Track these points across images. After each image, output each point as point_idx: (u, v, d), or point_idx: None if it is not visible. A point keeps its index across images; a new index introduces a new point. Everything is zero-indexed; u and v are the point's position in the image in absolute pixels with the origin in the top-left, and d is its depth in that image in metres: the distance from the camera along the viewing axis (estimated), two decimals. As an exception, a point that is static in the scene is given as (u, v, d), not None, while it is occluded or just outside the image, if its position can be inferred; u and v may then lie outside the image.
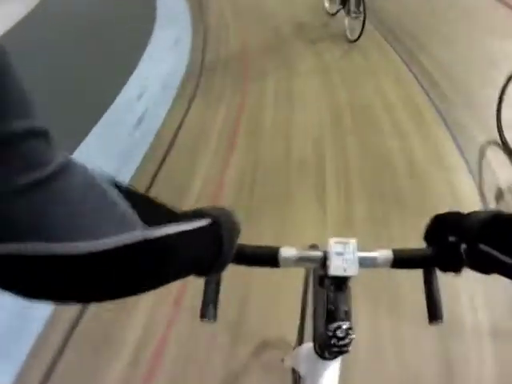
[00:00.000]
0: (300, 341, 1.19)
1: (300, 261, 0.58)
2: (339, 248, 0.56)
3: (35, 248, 0.28)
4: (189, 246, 0.44)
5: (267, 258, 0.59)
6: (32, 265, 0.29)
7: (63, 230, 0.29)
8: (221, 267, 0.53)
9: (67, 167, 0.30)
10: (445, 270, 0.58)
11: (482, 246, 0.48)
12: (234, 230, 0.54)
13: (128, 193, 0.36)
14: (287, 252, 0.58)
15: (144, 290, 0.39)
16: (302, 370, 0.89)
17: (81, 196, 0.31)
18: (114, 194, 0.34)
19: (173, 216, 0.44)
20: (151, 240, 0.36)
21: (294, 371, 1.15)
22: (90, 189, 0.32)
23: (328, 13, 5.18)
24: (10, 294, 0.30)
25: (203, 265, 0.49)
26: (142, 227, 0.35)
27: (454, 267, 0.55)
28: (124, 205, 0.34)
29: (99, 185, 0.33)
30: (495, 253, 0.46)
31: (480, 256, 0.49)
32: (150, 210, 0.40)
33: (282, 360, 1.30)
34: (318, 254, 0.58)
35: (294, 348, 1.21)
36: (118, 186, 0.35)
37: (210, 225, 0.48)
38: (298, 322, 1.21)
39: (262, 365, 1.60)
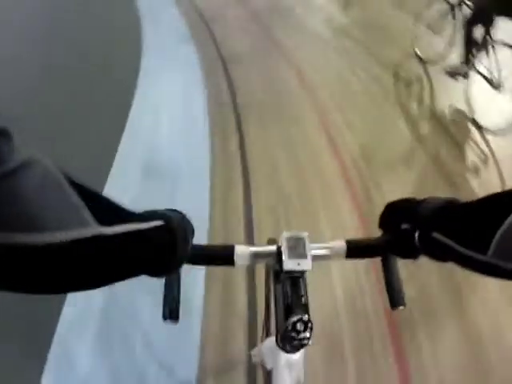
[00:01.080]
0: (266, 335, 1.20)
1: (254, 258, 0.59)
2: (291, 242, 0.57)
3: None
4: (141, 245, 0.44)
5: (222, 256, 0.59)
6: None
7: (21, 222, 0.31)
8: (175, 267, 0.54)
9: (27, 165, 0.32)
10: (400, 256, 0.60)
11: (435, 235, 0.48)
12: (188, 231, 0.54)
13: (84, 190, 0.38)
14: (241, 250, 0.58)
15: (93, 285, 0.40)
16: (268, 364, 0.90)
17: (39, 192, 0.33)
18: (71, 190, 0.36)
19: (127, 215, 0.44)
20: (103, 236, 0.38)
21: (263, 365, 1.16)
22: (48, 185, 0.34)
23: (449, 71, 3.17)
24: None
25: (157, 265, 0.49)
26: (96, 224, 0.37)
27: (410, 254, 0.56)
28: (79, 202, 0.36)
29: (57, 181, 0.35)
30: (448, 241, 0.46)
31: (433, 244, 0.49)
32: (104, 209, 0.41)
33: (250, 355, 1.31)
34: (272, 250, 0.58)
35: (261, 342, 1.23)
36: (74, 184, 0.37)
37: (163, 226, 0.48)
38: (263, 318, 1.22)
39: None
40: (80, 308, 1.75)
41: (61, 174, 0.36)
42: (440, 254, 0.50)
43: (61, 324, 1.69)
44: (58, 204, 0.34)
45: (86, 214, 0.36)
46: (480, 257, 0.41)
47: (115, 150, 2.73)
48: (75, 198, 0.36)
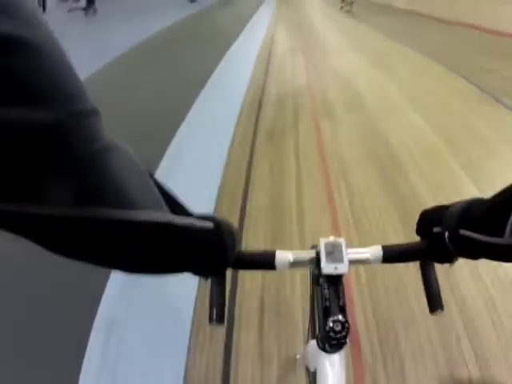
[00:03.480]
0: (311, 337, 1.22)
1: (295, 263, 0.62)
2: (329, 248, 0.60)
3: (89, 212, 0.33)
4: (197, 242, 0.48)
5: (264, 262, 0.63)
6: (80, 227, 0.33)
7: (112, 198, 0.34)
8: (221, 269, 0.58)
9: (115, 146, 0.36)
10: (436, 260, 0.62)
11: (463, 231, 0.51)
12: (235, 237, 0.59)
13: (156, 182, 0.42)
14: (282, 255, 0.62)
15: (156, 270, 0.45)
16: (311, 365, 0.93)
17: (127, 172, 0.37)
18: (149, 178, 0.40)
19: (185, 212, 0.48)
20: (177, 225, 0.42)
21: (307, 368, 1.18)
22: (134, 168, 0.38)
23: None
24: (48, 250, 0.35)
25: (204, 265, 0.53)
26: (169, 212, 0.41)
27: (444, 257, 0.59)
28: (155, 189, 0.40)
29: (138, 167, 0.39)
30: (476, 235, 0.49)
31: (462, 241, 0.51)
32: (172, 202, 0.45)
33: (297, 359, 1.34)
34: (310, 255, 0.62)
35: (306, 344, 1.25)
36: (149, 172, 0.41)
37: (214, 229, 0.52)
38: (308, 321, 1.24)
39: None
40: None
41: (140, 162, 0.39)
42: (470, 250, 0.53)
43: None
44: (140, 187, 0.38)
45: (162, 202, 0.41)
46: (499, 240, 0.45)
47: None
48: (152, 185, 0.40)
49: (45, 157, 0.29)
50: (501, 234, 0.44)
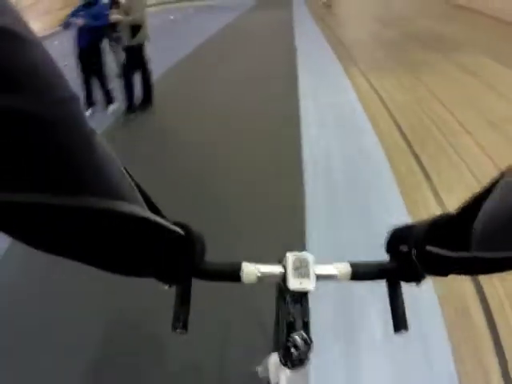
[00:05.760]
0: (273, 350, 1.21)
1: (261, 276, 0.61)
2: (296, 263, 0.59)
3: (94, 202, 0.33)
4: (167, 246, 0.47)
5: (229, 274, 0.62)
6: (65, 215, 0.33)
7: (97, 186, 0.34)
8: (186, 278, 0.58)
9: (95, 134, 0.35)
10: (404, 279, 0.62)
11: (429, 248, 0.51)
12: (203, 247, 0.57)
13: (131, 175, 0.42)
14: (249, 268, 0.61)
15: (122, 269, 0.44)
16: (273, 379, 0.92)
17: (108, 159, 0.36)
18: (125, 171, 0.40)
19: (157, 212, 0.47)
20: (151, 223, 0.41)
21: (268, 381, 1.17)
22: (110, 159, 0.37)
23: None
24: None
25: (171, 271, 0.52)
26: (146, 207, 0.41)
27: (411, 275, 0.59)
28: (132, 182, 0.41)
29: (115, 159, 0.39)
30: (442, 251, 0.49)
31: (430, 258, 0.51)
32: (147, 198, 0.45)
33: (256, 370, 1.32)
34: (277, 269, 0.61)
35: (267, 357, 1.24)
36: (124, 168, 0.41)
37: (186, 236, 0.51)
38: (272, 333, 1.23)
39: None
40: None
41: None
42: (438, 267, 0.53)
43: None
44: (120, 178, 0.38)
45: (138, 195, 0.41)
46: (466, 254, 0.45)
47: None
48: (129, 178, 0.40)
49: (29, 145, 0.29)
50: (467, 248, 0.45)
